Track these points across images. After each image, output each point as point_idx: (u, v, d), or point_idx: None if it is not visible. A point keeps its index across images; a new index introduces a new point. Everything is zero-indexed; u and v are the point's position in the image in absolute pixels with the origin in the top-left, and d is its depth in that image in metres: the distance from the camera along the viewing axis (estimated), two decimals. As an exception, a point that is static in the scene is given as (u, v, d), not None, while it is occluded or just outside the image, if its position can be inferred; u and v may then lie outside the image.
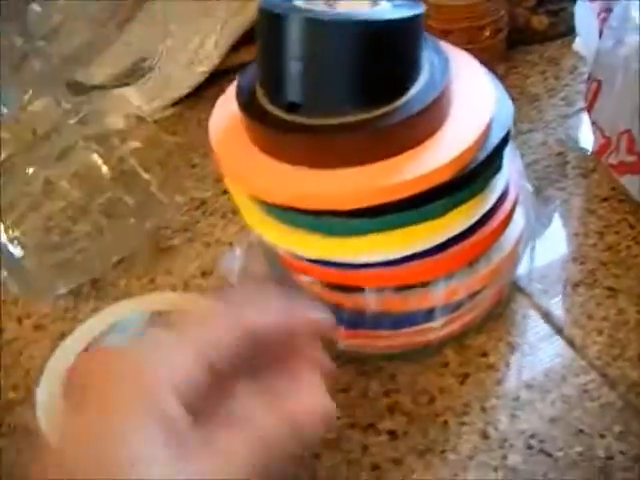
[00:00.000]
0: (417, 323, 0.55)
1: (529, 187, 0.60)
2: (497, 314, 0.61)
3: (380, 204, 0.47)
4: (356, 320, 0.55)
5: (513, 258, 0.58)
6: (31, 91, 0.60)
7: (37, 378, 0.55)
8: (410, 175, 0.46)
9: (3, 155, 0.67)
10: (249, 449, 0.36)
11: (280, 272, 0.59)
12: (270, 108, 0.49)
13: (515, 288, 0.63)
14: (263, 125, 0.49)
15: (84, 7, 0.68)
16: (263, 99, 0.50)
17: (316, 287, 0.55)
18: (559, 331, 0.59)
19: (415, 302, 0.54)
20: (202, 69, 0.92)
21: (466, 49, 0.54)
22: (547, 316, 0.60)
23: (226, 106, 0.54)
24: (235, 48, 0.93)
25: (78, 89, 0.71)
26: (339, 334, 0.55)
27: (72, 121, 0.67)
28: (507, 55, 0.88)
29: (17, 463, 0.58)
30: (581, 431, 0.52)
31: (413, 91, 0.48)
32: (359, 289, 0.53)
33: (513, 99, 0.52)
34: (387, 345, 0.57)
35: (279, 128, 0.48)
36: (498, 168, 0.52)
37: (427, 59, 0.50)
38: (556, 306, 0.61)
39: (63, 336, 0.58)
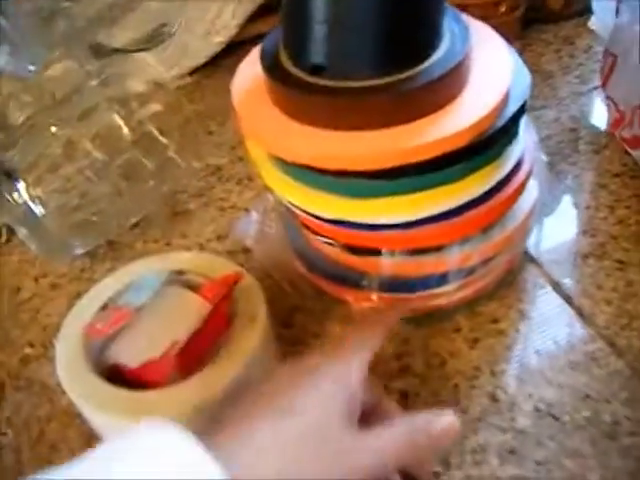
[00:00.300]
0: (431, 287, 0.56)
1: (544, 159, 0.61)
2: (508, 282, 0.62)
3: (399, 166, 0.47)
4: (372, 283, 0.56)
5: (526, 227, 0.59)
6: (57, 52, 0.61)
7: (53, 335, 0.57)
8: (430, 138, 0.47)
9: (25, 115, 0.68)
10: (397, 448, 0.43)
11: (296, 237, 0.61)
12: (293, 70, 0.50)
13: (527, 258, 0.64)
14: (286, 87, 0.50)
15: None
16: (287, 62, 0.51)
17: (332, 249, 0.56)
18: (568, 300, 0.60)
19: (430, 266, 0.55)
20: (219, 39, 0.92)
21: (481, 25, 0.55)
22: (557, 286, 0.61)
23: (249, 69, 0.55)
24: (252, 19, 0.94)
25: (100, 52, 0.71)
26: (355, 297, 0.56)
27: (94, 82, 0.68)
28: (522, 33, 0.89)
29: (33, 416, 0.59)
30: (588, 396, 0.53)
31: (435, 57, 0.49)
32: (375, 252, 0.54)
33: (527, 76, 0.53)
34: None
35: (302, 90, 0.49)
36: (514, 136, 0.53)
37: (448, 28, 0.51)
38: (566, 276, 0.62)
39: (79, 295, 0.59)
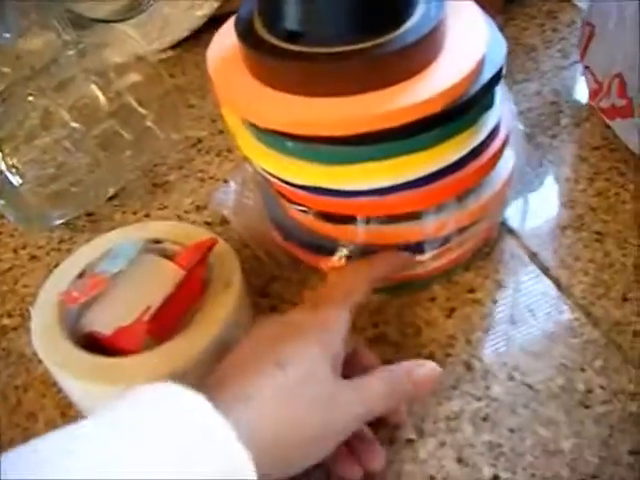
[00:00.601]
0: (406, 256, 0.56)
1: (521, 128, 0.61)
2: (485, 253, 0.62)
3: (373, 132, 0.47)
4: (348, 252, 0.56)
5: (502, 197, 0.59)
6: (33, 15, 0.60)
7: (31, 306, 0.57)
8: (403, 104, 0.47)
9: (2, 85, 0.67)
10: (382, 395, 0.46)
11: (273, 206, 0.61)
12: (267, 37, 0.50)
13: (505, 229, 0.64)
14: (259, 53, 0.50)
15: None
16: (261, 29, 0.51)
17: (308, 218, 0.56)
18: (546, 271, 0.60)
19: (405, 234, 0.55)
20: (201, 12, 0.92)
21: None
22: (534, 256, 0.62)
23: (225, 37, 0.55)
24: (235, -7, 0.93)
25: (80, 22, 0.71)
26: (328, 265, 0.56)
27: (72, 53, 0.67)
28: (506, 8, 0.88)
29: (10, 386, 0.59)
30: (563, 365, 0.54)
31: (409, 24, 0.49)
32: (350, 220, 0.54)
33: (509, 50, 0.53)
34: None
35: (275, 56, 0.49)
36: (489, 104, 0.53)
37: (423, -1, 0.51)
38: (544, 247, 0.62)
39: (57, 266, 0.59)
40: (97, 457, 0.35)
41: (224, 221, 0.68)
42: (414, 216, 0.54)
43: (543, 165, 0.70)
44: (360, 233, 0.54)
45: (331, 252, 0.56)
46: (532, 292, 0.59)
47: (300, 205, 0.55)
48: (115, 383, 0.49)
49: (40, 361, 0.53)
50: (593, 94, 0.68)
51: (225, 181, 0.74)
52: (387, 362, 0.54)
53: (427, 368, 0.48)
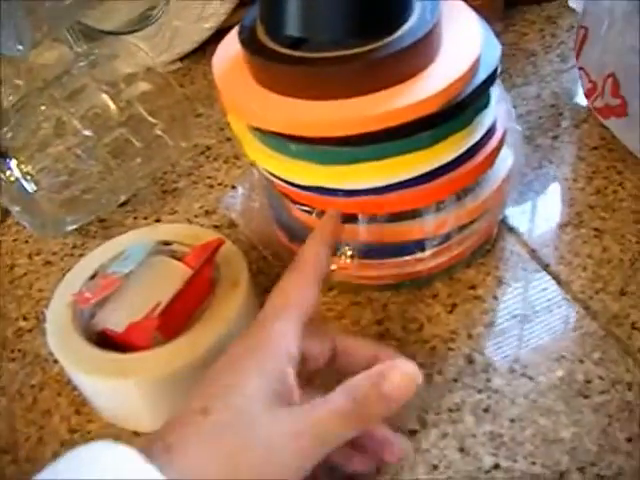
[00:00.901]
0: (407, 253, 0.58)
1: (518, 129, 0.62)
2: (486, 250, 0.64)
3: (371, 132, 0.49)
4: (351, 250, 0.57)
5: (501, 195, 0.60)
6: (45, 28, 0.62)
7: (46, 308, 0.59)
8: (401, 104, 0.48)
9: (16, 97, 0.69)
10: (342, 412, 0.41)
11: (278, 208, 0.62)
12: (270, 44, 0.52)
13: (505, 227, 0.66)
14: (261, 58, 0.52)
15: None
16: (263, 36, 0.53)
17: (312, 218, 0.57)
18: (545, 267, 0.62)
19: (406, 232, 0.56)
20: (209, 25, 0.94)
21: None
22: (534, 253, 0.63)
23: (230, 45, 0.57)
24: (242, 5, 0.95)
25: (90, 35, 0.73)
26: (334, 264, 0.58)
27: (83, 64, 0.69)
28: (505, 14, 0.90)
29: (26, 385, 0.61)
30: (562, 357, 0.55)
31: (406, 27, 0.50)
32: (352, 219, 0.55)
33: (509, 55, 0.54)
34: (379, 275, 0.60)
35: (277, 61, 0.51)
36: (485, 105, 0.54)
37: (419, 3, 0.53)
38: (543, 244, 0.64)
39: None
40: None
41: (232, 224, 0.70)
42: (415, 214, 0.56)
43: (543, 166, 0.71)
44: (362, 232, 0.55)
45: (334, 251, 0.58)
46: (532, 288, 0.61)
47: (304, 205, 0.57)
48: (126, 378, 0.51)
49: (55, 361, 0.55)
50: (588, 94, 0.70)
51: (233, 187, 0.75)
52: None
53: (400, 372, 0.42)
